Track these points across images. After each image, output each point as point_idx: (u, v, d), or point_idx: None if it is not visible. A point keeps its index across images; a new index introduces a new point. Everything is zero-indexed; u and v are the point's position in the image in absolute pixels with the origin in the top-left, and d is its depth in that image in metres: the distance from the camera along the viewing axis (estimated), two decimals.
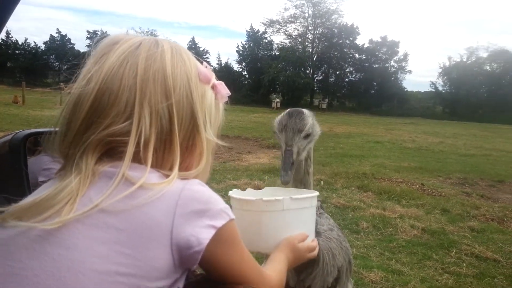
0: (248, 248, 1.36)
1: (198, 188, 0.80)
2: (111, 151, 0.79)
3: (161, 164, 0.82)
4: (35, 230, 0.70)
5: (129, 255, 0.70)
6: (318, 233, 1.61)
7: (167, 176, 0.80)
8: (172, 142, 0.82)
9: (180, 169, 0.83)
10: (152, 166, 0.79)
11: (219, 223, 0.78)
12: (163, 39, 0.88)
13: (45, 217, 0.70)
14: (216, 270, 0.84)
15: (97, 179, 0.76)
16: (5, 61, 50.91)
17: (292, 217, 1.31)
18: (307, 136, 1.52)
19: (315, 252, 1.39)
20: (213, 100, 0.92)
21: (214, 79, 0.94)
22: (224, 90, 0.96)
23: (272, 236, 1.29)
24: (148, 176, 0.76)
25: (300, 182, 1.62)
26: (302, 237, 1.32)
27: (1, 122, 12.93)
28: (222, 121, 0.99)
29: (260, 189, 1.64)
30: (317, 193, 1.42)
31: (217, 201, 0.81)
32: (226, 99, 0.99)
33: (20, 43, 51.97)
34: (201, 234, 0.75)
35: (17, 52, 51.86)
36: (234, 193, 1.42)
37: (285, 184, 1.43)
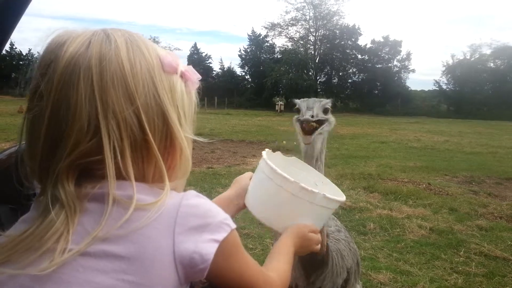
0: (258, 216, 1.33)
1: (195, 202, 0.76)
2: (86, 171, 0.72)
3: (143, 174, 0.77)
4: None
5: (132, 282, 0.68)
6: (327, 235, 1.61)
7: (155, 187, 0.76)
8: (149, 149, 0.75)
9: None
10: (135, 180, 0.73)
11: (221, 236, 0.75)
12: (115, 30, 0.77)
13: (37, 257, 0.66)
14: (221, 280, 0.82)
15: (86, 204, 0.70)
16: (10, 72, 51.38)
17: (316, 212, 1.29)
18: (327, 111, 1.61)
19: (319, 247, 1.37)
20: (183, 91, 0.82)
21: (181, 66, 0.82)
22: (194, 76, 0.86)
23: (287, 219, 1.27)
24: (139, 195, 0.72)
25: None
26: (314, 228, 1.29)
27: (8, 132, 13.05)
28: (196, 110, 0.89)
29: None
30: (344, 198, 1.39)
31: (216, 213, 0.78)
32: (198, 84, 0.88)
33: (24, 54, 52.45)
34: (203, 250, 0.73)
35: (21, 63, 52.31)
36: (268, 156, 1.36)
37: (307, 143, 1.54)
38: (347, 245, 1.81)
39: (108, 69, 0.70)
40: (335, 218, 2.00)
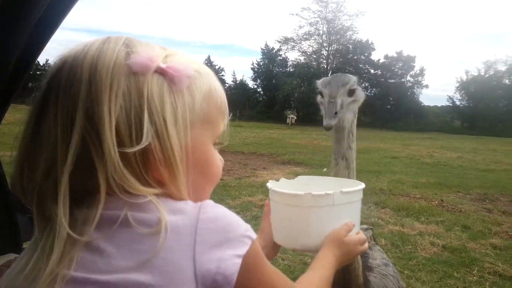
0: (293, 246, 1.28)
1: (214, 215, 0.69)
2: (86, 192, 0.67)
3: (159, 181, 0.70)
4: None
5: None
6: (370, 268, 1.49)
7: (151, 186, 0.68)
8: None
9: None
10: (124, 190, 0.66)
11: (243, 250, 0.69)
12: (109, 40, 0.71)
13: None
14: None
15: (99, 229, 0.64)
16: (27, 82, 52.52)
17: (341, 211, 1.19)
18: (352, 93, 1.44)
19: (366, 245, 1.26)
20: (162, 92, 0.68)
21: (160, 62, 0.69)
22: (182, 71, 0.71)
23: (319, 233, 1.18)
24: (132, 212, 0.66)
25: (343, 158, 1.55)
26: (348, 228, 1.18)
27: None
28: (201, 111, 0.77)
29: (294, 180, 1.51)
30: (363, 185, 1.30)
31: (237, 225, 0.71)
32: (189, 77, 0.73)
33: (41, 64, 53.66)
34: (226, 270, 0.66)
35: (38, 72, 53.39)
36: (273, 185, 1.30)
37: (327, 128, 1.37)
38: (396, 282, 1.61)
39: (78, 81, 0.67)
40: (381, 250, 1.82)
